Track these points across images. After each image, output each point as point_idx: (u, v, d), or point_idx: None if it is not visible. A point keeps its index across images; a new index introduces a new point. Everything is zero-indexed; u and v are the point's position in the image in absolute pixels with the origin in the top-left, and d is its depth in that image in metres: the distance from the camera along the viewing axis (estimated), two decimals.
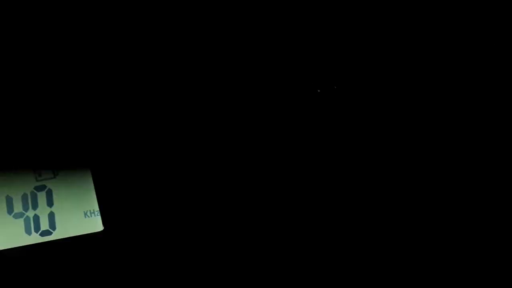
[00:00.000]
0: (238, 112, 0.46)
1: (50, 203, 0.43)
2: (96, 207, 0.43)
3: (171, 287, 0.43)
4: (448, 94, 0.46)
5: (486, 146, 0.45)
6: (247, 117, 0.46)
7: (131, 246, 0.43)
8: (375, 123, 0.45)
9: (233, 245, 0.44)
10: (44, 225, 0.43)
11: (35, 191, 0.43)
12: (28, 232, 0.43)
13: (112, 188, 0.44)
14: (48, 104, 0.45)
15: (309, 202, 0.44)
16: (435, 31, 0.46)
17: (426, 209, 0.44)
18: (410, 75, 0.46)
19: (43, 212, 0.43)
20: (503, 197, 0.44)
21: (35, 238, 0.43)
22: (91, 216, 0.43)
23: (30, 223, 0.43)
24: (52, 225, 0.43)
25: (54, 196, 0.43)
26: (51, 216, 0.43)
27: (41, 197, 0.43)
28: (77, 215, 0.43)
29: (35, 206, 0.43)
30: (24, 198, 0.43)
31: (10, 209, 0.43)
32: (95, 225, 0.43)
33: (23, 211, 0.43)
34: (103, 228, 0.43)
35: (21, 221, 0.43)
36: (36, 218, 0.43)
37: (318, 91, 0.44)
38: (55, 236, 0.43)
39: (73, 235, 0.43)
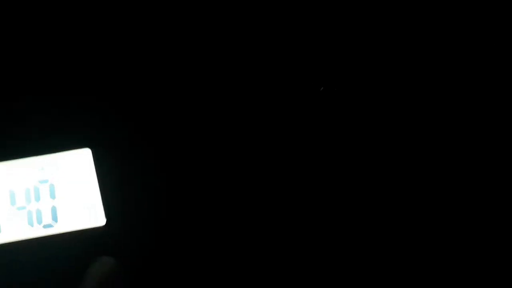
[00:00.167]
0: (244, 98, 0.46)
1: (52, 195, 0.43)
2: (99, 200, 0.43)
3: (173, 279, 0.44)
4: (449, 94, 0.46)
5: (486, 146, 0.46)
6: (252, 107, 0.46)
7: (133, 239, 0.44)
8: (375, 123, 0.45)
9: (235, 239, 0.44)
10: (47, 218, 0.43)
11: (38, 184, 0.43)
12: (30, 224, 0.43)
13: (115, 181, 0.44)
14: (51, 96, 0.44)
15: (309, 202, 0.45)
16: (438, 31, 0.46)
17: (426, 209, 0.45)
18: (411, 75, 0.46)
19: (45, 205, 0.43)
20: (503, 197, 0.45)
21: (38, 231, 0.43)
22: (93, 209, 0.43)
23: (32, 216, 0.43)
24: (55, 217, 0.43)
25: (57, 189, 0.43)
26: (54, 209, 0.43)
27: (44, 190, 0.43)
28: (79, 208, 0.43)
29: (37, 199, 0.43)
30: (27, 191, 0.43)
31: (13, 201, 0.43)
32: (98, 218, 0.43)
33: (26, 204, 0.43)
34: (105, 221, 0.43)
35: (24, 214, 0.43)
36: (39, 211, 0.43)
37: (321, 89, 0.44)
38: (57, 229, 0.43)
39: (76, 229, 0.43)
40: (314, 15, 0.46)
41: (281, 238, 0.44)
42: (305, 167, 0.45)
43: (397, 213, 0.45)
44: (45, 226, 0.43)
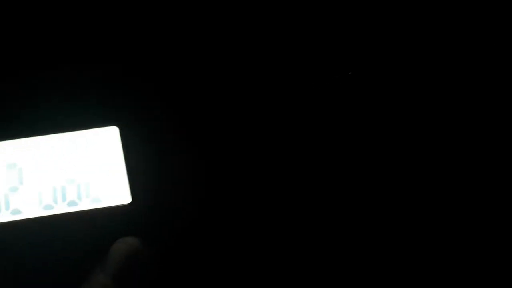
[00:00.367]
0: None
1: (77, 173, 0.43)
2: (125, 179, 0.43)
3: (194, 259, 0.44)
4: (451, 94, 0.47)
5: (487, 146, 0.46)
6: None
7: (158, 220, 0.43)
8: (377, 123, 0.46)
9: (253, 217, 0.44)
10: (71, 195, 0.43)
11: (63, 160, 0.43)
12: (55, 201, 0.42)
13: (141, 160, 0.43)
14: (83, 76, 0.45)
15: (311, 202, 0.45)
16: (443, 31, 0.47)
17: (427, 208, 0.45)
18: (414, 74, 0.47)
19: (70, 182, 0.43)
20: (503, 197, 0.45)
21: (62, 208, 0.42)
22: (118, 188, 0.43)
23: (56, 193, 0.43)
24: (79, 195, 0.43)
25: (82, 167, 0.43)
26: (78, 187, 0.43)
27: (69, 167, 0.43)
28: (105, 186, 0.43)
29: (63, 176, 0.43)
30: (52, 168, 0.43)
31: (38, 178, 0.43)
32: (123, 197, 0.43)
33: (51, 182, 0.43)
34: (131, 200, 0.43)
35: (49, 190, 0.42)
36: (63, 188, 0.43)
37: (350, 73, 0.44)
38: (81, 206, 0.43)
39: (100, 207, 0.43)
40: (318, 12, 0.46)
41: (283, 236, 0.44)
42: (305, 167, 0.45)
43: (397, 213, 0.45)
44: (69, 204, 0.43)
